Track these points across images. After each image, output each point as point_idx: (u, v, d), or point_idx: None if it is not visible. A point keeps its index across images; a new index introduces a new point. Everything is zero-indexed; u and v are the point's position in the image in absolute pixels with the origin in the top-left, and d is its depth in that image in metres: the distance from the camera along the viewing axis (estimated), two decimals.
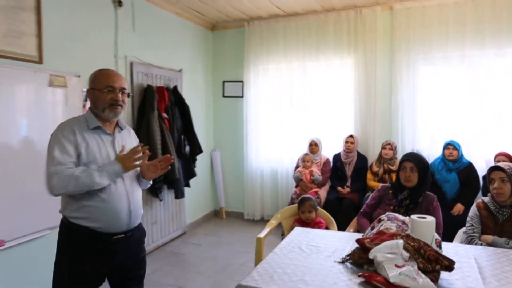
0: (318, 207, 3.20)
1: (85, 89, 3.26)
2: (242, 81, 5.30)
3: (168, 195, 4.44)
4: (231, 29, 5.36)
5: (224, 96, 5.49)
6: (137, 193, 1.94)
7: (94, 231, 1.75)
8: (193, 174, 4.60)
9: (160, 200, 4.25)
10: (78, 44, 3.27)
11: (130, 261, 1.90)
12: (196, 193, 5.07)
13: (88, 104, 3.26)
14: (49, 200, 2.90)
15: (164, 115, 4.08)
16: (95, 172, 1.69)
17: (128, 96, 1.92)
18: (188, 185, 4.54)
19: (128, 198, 1.84)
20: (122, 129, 1.96)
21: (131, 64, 3.90)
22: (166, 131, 4.02)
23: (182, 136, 4.41)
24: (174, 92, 4.36)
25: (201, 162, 4.99)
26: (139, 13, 4.01)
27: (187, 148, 4.45)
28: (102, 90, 1.80)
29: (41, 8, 2.87)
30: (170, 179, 4.07)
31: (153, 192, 4.07)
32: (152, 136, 3.81)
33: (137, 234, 1.93)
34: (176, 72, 4.62)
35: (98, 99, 1.81)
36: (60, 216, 1.85)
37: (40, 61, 2.89)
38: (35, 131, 2.84)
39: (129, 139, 1.99)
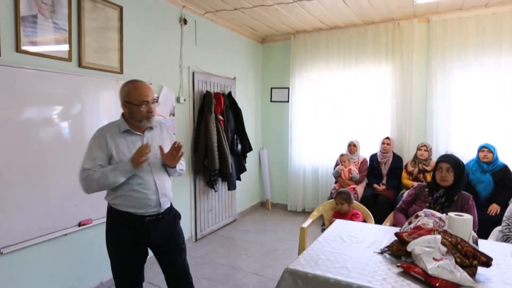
0: (354, 200, 3.13)
1: (156, 95, 3.45)
2: (288, 88, 5.29)
3: (222, 187, 4.54)
4: (278, 41, 5.36)
5: (271, 101, 5.51)
6: (166, 182, 2.01)
7: (129, 214, 1.88)
8: (243, 169, 4.66)
9: (215, 191, 4.36)
10: (150, 57, 3.43)
11: (164, 238, 1.99)
12: (246, 186, 5.14)
13: (165, 108, 3.45)
14: None
15: (220, 117, 4.17)
16: (110, 173, 1.78)
17: (156, 102, 1.98)
18: (239, 178, 4.61)
19: (156, 187, 1.91)
20: (152, 129, 2.00)
21: (193, 73, 4.03)
22: (222, 131, 4.11)
23: (235, 136, 4.48)
24: (229, 97, 4.44)
25: (250, 159, 5.04)
26: (201, 29, 4.13)
27: (239, 146, 4.52)
28: (139, 106, 1.86)
29: (123, 28, 3.05)
30: (224, 173, 4.16)
31: (210, 184, 4.18)
32: (210, 135, 3.92)
33: (168, 216, 2.02)
34: (230, 79, 4.71)
35: (135, 113, 1.87)
36: None
37: (121, 71, 3.06)
38: None
39: (159, 135, 2.04)
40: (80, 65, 2.70)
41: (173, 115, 3.72)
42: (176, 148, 1.93)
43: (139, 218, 1.89)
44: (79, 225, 2.69)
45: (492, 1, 3.82)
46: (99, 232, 2.89)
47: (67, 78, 2.59)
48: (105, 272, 2.97)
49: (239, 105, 4.58)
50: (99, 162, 1.83)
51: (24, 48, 2.31)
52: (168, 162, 1.96)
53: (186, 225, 3.99)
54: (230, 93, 4.49)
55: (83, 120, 2.73)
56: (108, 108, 2.95)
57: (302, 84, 5.14)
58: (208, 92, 4.10)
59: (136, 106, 1.86)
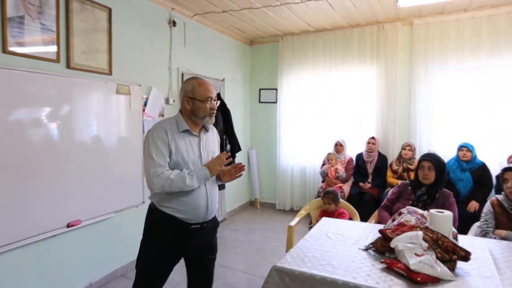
0: (341, 199, 3.16)
1: (145, 96, 3.44)
2: (276, 89, 5.31)
3: None
4: (266, 43, 5.38)
5: (260, 102, 5.52)
6: (215, 192, 1.94)
7: (177, 219, 1.78)
8: None
9: None
10: (139, 58, 3.40)
11: (203, 246, 1.91)
12: (235, 185, 5.14)
13: (154, 109, 3.43)
14: (114, 187, 3.06)
15: None
16: (187, 176, 1.71)
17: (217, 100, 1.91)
18: None
19: (207, 196, 1.84)
20: (207, 131, 1.93)
21: (182, 74, 4.01)
22: None
23: (224, 136, 4.48)
24: (218, 98, 4.40)
25: (239, 159, 5.04)
26: (190, 31, 4.11)
27: (228, 147, 4.52)
28: (204, 102, 1.80)
29: (112, 29, 3.02)
30: None
31: None
32: None
33: (211, 224, 1.93)
34: (219, 81, 4.70)
35: (199, 108, 1.80)
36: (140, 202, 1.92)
37: (109, 72, 3.03)
38: (103, 130, 2.98)
39: (211, 138, 1.98)
40: (68, 66, 2.66)
41: (162, 116, 3.70)
42: (239, 168, 1.89)
43: (185, 225, 1.80)
44: (68, 226, 2.65)
45: (471, 6, 3.92)
46: (88, 233, 2.87)
47: (56, 79, 2.55)
48: (94, 273, 2.95)
49: (228, 106, 4.57)
50: (167, 158, 1.74)
51: (11, 49, 2.27)
52: (225, 178, 1.91)
53: None
54: (219, 94, 4.48)
55: (72, 122, 2.70)
56: (97, 109, 2.92)
57: (289, 86, 5.17)
58: None
59: (200, 102, 1.80)
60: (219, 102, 1.92)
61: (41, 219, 2.47)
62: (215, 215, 1.98)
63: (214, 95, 1.85)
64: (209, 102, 1.81)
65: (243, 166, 1.91)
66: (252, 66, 5.55)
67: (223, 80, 4.76)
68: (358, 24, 4.63)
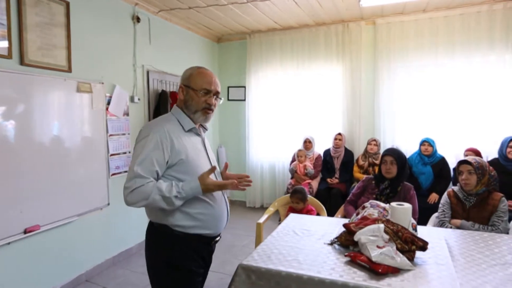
0: (310, 196, 3.20)
1: (109, 94, 3.32)
2: (244, 87, 5.30)
3: None
4: (234, 41, 5.35)
5: (228, 100, 5.49)
6: (226, 197, 1.74)
7: (202, 237, 1.53)
8: None
9: None
10: (101, 55, 3.27)
11: (211, 259, 1.71)
12: None
13: (118, 107, 3.31)
14: (76, 190, 2.94)
15: None
16: (173, 198, 1.41)
17: (221, 101, 1.65)
18: None
19: (225, 202, 1.66)
20: (206, 130, 1.70)
21: (148, 72, 3.91)
22: None
23: None
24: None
25: None
26: (155, 28, 4.01)
27: None
28: (197, 91, 1.52)
29: (70, 24, 2.88)
30: None
31: None
32: None
33: None
34: None
35: (191, 99, 1.53)
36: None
37: (69, 70, 2.89)
38: (64, 130, 2.85)
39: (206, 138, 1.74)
40: (22, 62, 2.51)
41: (127, 114, 3.59)
42: (245, 180, 1.67)
43: (207, 240, 1.55)
44: (25, 232, 2.51)
45: (429, 7, 4.09)
46: (49, 238, 2.73)
47: (9, 77, 2.40)
48: (56, 280, 2.82)
49: None
50: (156, 168, 1.42)
51: None
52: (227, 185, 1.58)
53: (143, 226, 3.85)
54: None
55: (29, 121, 2.55)
56: (56, 108, 2.78)
57: (258, 83, 5.17)
58: (163, 91, 4.00)
59: (194, 92, 1.52)
60: (221, 100, 1.64)
61: None
62: None
63: (213, 89, 1.55)
64: (203, 93, 1.53)
65: (250, 180, 1.68)
66: (220, 63, 5.50)
67: None
68: (324, 23, 4.71)
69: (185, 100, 1.55)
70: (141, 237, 3.82)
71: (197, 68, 1.59)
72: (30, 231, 2.53)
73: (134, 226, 3.71)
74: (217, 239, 1.64)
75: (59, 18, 2.79)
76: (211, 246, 1.61)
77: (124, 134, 3.53)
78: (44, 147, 2.68)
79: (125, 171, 3.54)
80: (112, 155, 3.36)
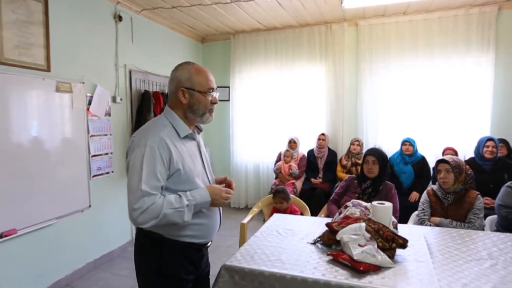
0: (294, 196, 3.22)
1: (89, 94, 3.25)
2: (228, 87, 5.28)
3: None
4: (218, 41, 5.34)
5: None
6: None
7: (194, 244, 1.48)
8: None
9: None
10: (82, 54, 3.20)
11: (206, 261, 1.68)
12: None
13: (100, 108, 3.25)
14: (56, 192, 2.87)
15: None
16: (186, 211, 1.35)
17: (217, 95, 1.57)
18: None
19: (220, 212, 1.62)
20: (201, 131, 1.64)
21: (130, 71, 3.85)
22: None
23: None
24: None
25: None
26: (137, 27, 3.95)
27: None
28: (205, 93, 1.46)
29: (49, 22, 2.81)
30: None
31: None
32: None
33: None
34: None
35: (199, 102, 1.46)
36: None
37: (48, 69, 2.82)
38: (44, 131, 2.79)
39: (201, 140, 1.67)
40: None
41: (109, 115, 3.53)
42: (230, 192, 1.54)
43: (198, 247, 1.52)
44: (1, 236, 2.43)
45: (409, 10, 4.19)
46: (27, 243, 2.65)
47: None
48: (34, 285, 2.74)
49: None
50: (162, 182, 1.35)
51: None
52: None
53: (126, 228, 3.81)
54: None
55: (6, 122, 2.48)
56: (35, 108, 2.71)
57: (242, 83, 5.17)
58: (146, 92, 3.95)
59: (201, 94, 1.45)
60: (218, 93, 1.57)
61: None
62: None
63: (215, 85, 1.52)
64: (210, 94, 1.49)
65: (233, 186, 1.62)
66: (204, 63, 5.47)
67: None
68: (307, 24, 4.75)
69: (189, 104, 1.46)
70: (124, 239, 3.78)
71: (192, 66, 1.49)
72: (6, 236, 2.45)
73: (117, 228, 3.66)
74: (208, 244, 1.60)
75: (37, 15, 2.72)
76: (202, 252, 1.57)
77: (106, 134, 3.47)
78: (22, 148, 2.60)
79: (107, 172, 3.48)
80: (93, 156, 3.29)
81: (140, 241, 1.50)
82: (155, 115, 3.94)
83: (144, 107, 3.85)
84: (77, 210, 3.10)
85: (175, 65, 1.52)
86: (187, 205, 1.35)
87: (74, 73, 3.10)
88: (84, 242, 3.22)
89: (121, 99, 3.68)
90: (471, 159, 3.63)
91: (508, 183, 2.47)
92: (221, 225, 1.64)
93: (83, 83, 3.18)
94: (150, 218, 1.29)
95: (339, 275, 1.51)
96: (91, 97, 3.29)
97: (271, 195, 3.26)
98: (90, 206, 3.24)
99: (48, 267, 2.86)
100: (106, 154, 3.47)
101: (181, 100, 1.45)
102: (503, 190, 2.46)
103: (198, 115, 1.48)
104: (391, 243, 1.67)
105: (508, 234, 2.01)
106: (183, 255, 1.47)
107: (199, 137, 1.62)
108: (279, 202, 3.04)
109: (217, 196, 1.45)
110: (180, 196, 1.36)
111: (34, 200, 2.67)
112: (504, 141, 3.89)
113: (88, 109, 3.24)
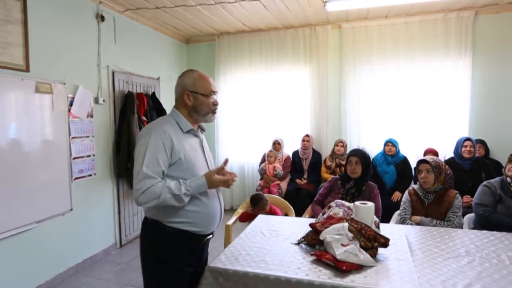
0: (279, 197, 3.22)
1: (70, 95, 3.19)
2: None
3: None
4: (203, 42, 5.31)
5: None
6: (221, 194, 1.81)
7: (191, 234, 1.60)
8: None
9: None
10: (63, 55, 3.14)
11: (206, 256, 1.80)
12: None
13: (82, 109, 3.19)
14: (36, 195, 2.80)
15: (144, 118, 3.99)
16: (183, 196, 1.51)
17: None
18: None
19: (219, 200, 1.72)
20: (204, 130, 1.80)
21: (113, 72, 3.79)
22: None
23: None
24: (153, 98, 4.26)
25: None
26: (120, 27, 3.90)
27: None
28: (208, 96, 1.66)
29: (28, 21, 2.74)
30: None
31: None
32: (133, 137, 3.72)
33: None
34: (154, 80, 4.53)
35: (202, 104, 1.65)
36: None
37: (27, 69, 2.75)
38: (23, 133, 2.71)
39: (205, 139, 1.84)
40: None
41: (91, 116, 3.46)
42: (233, 179, 1.69)
43: (198, 238, 1.62)
44: None
45: (391, 13, 4.28)
46: (4, 248, 2.57)
47: None
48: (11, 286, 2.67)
49: (164, 105, 4.42)
50: (162, 168, 1.51)
51: None
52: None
53: (109, 231, 3.75)
54: (154, 93, 4.32)
55: None
56: (14, 109, 2.64)
57: (227, 85, 5.16)
58: (130, 93, 3.89)
59: (204, 97, 1.64)
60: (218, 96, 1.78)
61: None
62: None
63: (216, 89, 1.72)
64: (212, 97, 1.68)
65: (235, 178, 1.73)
66: (189, 65, 5.43)
67: (158, 79, 4.59)
68: (291, 26, 4.78)
69: (193, 105, 1.65)
70: (107, 242, 3.71)
71: (196, 72, 1.68)
72: None
73: (100, 231, 3.59)
74: (209, 237, 1.69)
75: (15, 14, 2.64)
76: (202, 244, 1.67)
77: (88, 136, 3.41)
78: (1, 150, 2.52)
79: (89, 175, 3.42)
80: (75, 158, 3.23)
81: (144, 230, 1.66)
82: (139, 117, 3.89)
83: (128, 108, 3.80)
84: (58, 214, 3.03)
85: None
86: (184, 193, 1.51)
87: (55, 73, 3.04)
88: (65, 246, 3.15)
89: (104, 100, 3.62)
90: (451, 158, 3.72)
91: (485, 182, 2.55)
92: (222, 218, 1.74)
93: (64, 83, 3.11)
94: (150, 198, 1.46)
95: (323, 274, 1.52)
96: (73, 98, 3.23)
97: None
98: (71, 209, 3.17)
99: (28, 273, 2.78)
100: (89, 156, 3.41)
101: (186, 102, 1.65)
102: (480, 189, 2.54)
103: (202, 114, 1.67)
104: (373, 242, 1.70)
105: (484, 231, 2.08)
106: (181, 244, 1.59)
107: (203, 136, 1.78)
108: (262, 209, 2.98)
109: (215, 182, 1.60)
110: (179, 183, 1.52)
111: (13, 204, 2.60)
112: (481, 142, 4.02)
113: (69, 110, 3.17)
